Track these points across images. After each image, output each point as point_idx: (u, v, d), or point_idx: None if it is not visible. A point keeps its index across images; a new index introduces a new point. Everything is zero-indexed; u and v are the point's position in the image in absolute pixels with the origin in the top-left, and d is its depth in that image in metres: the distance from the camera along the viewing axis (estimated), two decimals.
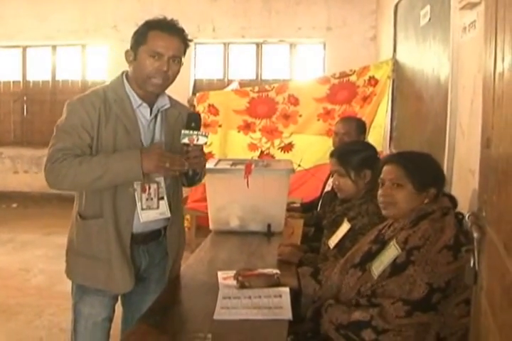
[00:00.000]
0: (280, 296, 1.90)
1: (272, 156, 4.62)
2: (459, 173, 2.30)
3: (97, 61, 7.24)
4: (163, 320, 1.75)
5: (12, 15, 7.05)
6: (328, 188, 3.20)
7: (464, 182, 2.16)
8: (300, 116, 4.61)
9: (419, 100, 3.30)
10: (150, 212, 1.94)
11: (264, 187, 2.76)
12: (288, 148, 4.66)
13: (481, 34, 1.53)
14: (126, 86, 1.93)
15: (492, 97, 1.26)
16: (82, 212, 1.95)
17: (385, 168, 1.90)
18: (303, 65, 6.99)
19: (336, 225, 2.31)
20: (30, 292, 3.86)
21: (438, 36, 2.79)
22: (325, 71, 6.59)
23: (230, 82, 6.74)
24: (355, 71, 4.52)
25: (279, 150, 4.67)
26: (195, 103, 4.74)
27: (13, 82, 7.44)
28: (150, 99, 1.94)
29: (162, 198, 1.97)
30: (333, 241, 2.26)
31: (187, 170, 1.90)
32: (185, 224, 2.43)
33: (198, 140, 1.84)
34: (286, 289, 1.94)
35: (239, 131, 4.70)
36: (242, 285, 1.98)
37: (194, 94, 5.77)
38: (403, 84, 4.16)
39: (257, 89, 4.71)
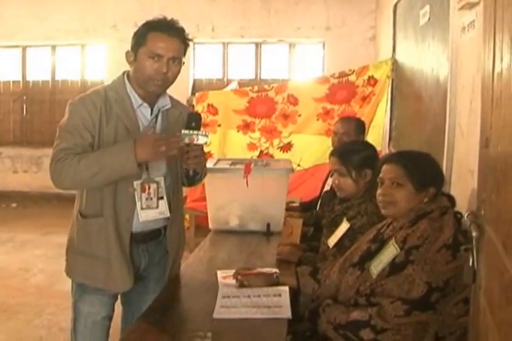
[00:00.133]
0: (279, 295, 1.90)
1: (271, 156, 4.62)
2: (458, 173, 2.30)
3: (96, 61, 7.24)
4: (163, 318, 1.76)
5: (12, 15, 7.05)
6: (327, 188, 3.20)
7: (463, 181, 2.17)
8: (299, 115, 4.62)
9: (419, 100, 3.31)
10: (149, 212, 1.95)
11: (263, 186, 2.77)
12: (287, 147, 4.67)
13: (480, 34, 1.53)
14: (127, 86, 1.93)
15: (491, 97, 1.27)
16: (82, 210, 1.96)
17: (385, 167, 1.90)
18: (302, 64, 6.99)
19: (335, 224, 2.31)
20: (30, 291, 3.86)
21: (437, 36, 2.80)
22: (324, 71, 6.59)
23: (229, 81, 6.74)
24: (354, 71, 4.52)
25: (279, 149, 4.67)
26: (194, 103, 4.75)
27: (13, 81, 7.44)
28: (151, 99, 1.95)
29: (162, 198, 1.97)
30: (332, 241, 2.26)
31: (186, 170, 1.90)
32: (185, 223, 2.43)
33: (198, 140, 1.84)
34: (286, 288, 1.95)
35: (238, 131, 4.70)
36: (241, 285, 1.99)
37: (193, 93, 5.78)
38: (402, 84, 4.16)
39: (256, 88, 4.71)
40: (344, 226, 2.24)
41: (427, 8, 3.05)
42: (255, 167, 2.82)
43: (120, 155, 1.77)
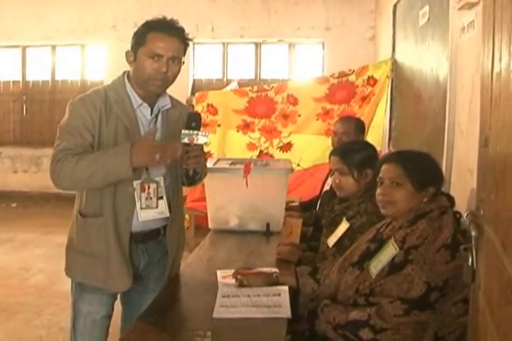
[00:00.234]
0: (279, 295, 1.90)
1: (271, 156, 4.62)
2: (457, 172, 2.30)
3: (96, 61, 7.24)
4: (162, 318, 1.76)
5: (11, 16, 7.05)
6: (327, 188, 3.20)
7: (462, 181, 2.17)
8: (299, 115, 4.62)
9: (418, 100, 3.31)
10: (149, 211, 1.95)
11: (263, 186, 2.77)
12: (287, 147, 4.67)
13: (480, 34, 1.53)
14: (127, 86, 1.94)
15: (490, 97, 1.27)
16: (82, 210, 1.96)
17: (384, 167, 1.90)
18: (302, 64, 6.99)
19: (335, 224, 2.31)
20: (30, 291, 3.86)
21: (437, 36, 2.80)
22: (324, 71, 6.60)
23: (229, 81, 6.74)
24: (354, 71, 4.52)
25: (278, 149, 4.67)
26: (193, 103, 4.75)
27: (13, 81, 7.44)
28: (151, 99, 1.95)
29: (161, 197, 1.97)
30: (331, 240, 2.26)
31: (186, 169, 1.91)
32: (185, 223, 2.44)
33: (198, 140, 1.84)
34: (285, 288, 1.95)
35: (238, 131, 4.71)
36: (241, 284, 1.99)
37: (193, 94, 5.78)
38: (402, 84, 4.17)
39: (256, 88, 4.71)
40: (344, 226, 2.24)
41: (427, 8, 3.05)
42: (255, 167, 2.82)
43: (116, 159, 1.77)
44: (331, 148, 2.90)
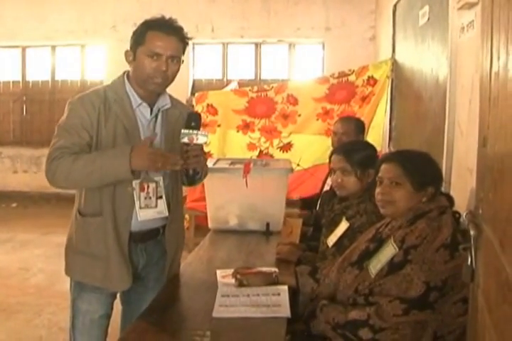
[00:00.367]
0: (278, 294, 1.91)
1: (271, 156, 4.62)
2: (457, 172, 2.31)
3: (95, 61, 7.24)
4: (162, 317, 1.76)
5: (11, 16, 7.06)
6: (327, 188, 3.21)
7: (462, 181, 2.18)
8: (299, 115, 4.62)
9: (418, 100, 3.31)
10: (148, 211, 1.95)
11: (262, 186, 2.77)
12: (287, 147, 4.67)
13: (479, 34, 1.53)
14: (127, 85, 1.94)
15: (488, 97, 1.27)
16: (81, 209, 1.96)
17: (384, 167, 1.90)
18: (302, 64, 6.99)
19: (335, 224, 2.31)
20: (30, 291, 3.87)
21: (437, 36, 2.80)
22: (324, 71, 6.59)
23: (228, 82, 6.74)
24: (354, 71, 4.52)
25: (278, 149, 4.67)
26: (193, 103, 4.75)
27: (13, 82, 7.44)
28: (151, 99, 1.95)
29: (160, 197, 1.98)
30: (331, 240, 2.26)
31: (186, 169, 1.91)
32: (184, 223, 2.44)
33: (197, 139, 1.84)
34: (285, 287, 1.95)
35: (238, 131, 4.71)
36: (240, 284, 1.99)
37: (193, 94, 5.78)
38: (402, 84, 4.17)
39: (256, 88, 4.71)
40: (343, 226, 2.24)
41: (427, 8, 3.06)
42: (255, 167, 2.83)
43: (115, 161, 1.77)
44: (331, 148, 2.90)
